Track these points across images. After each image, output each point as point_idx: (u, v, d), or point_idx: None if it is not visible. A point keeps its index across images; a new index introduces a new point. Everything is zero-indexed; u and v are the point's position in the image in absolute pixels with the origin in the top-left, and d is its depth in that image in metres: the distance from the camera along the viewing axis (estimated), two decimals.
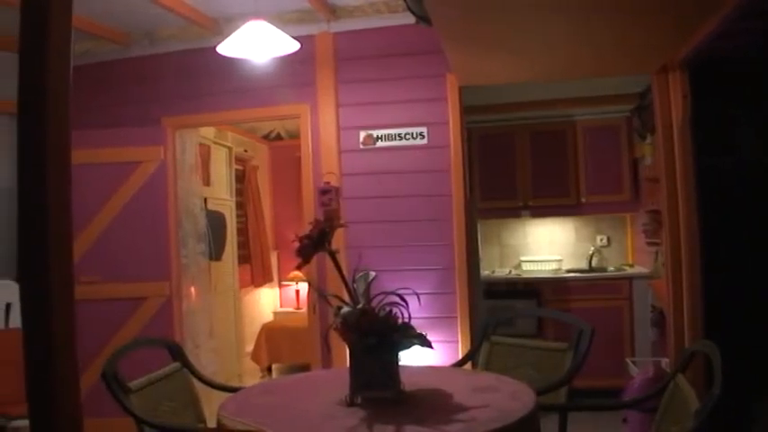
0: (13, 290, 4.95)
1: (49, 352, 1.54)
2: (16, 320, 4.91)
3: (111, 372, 2.72)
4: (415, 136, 4.86)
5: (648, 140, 5.46)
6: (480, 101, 6.03)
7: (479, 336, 3.57)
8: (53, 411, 1.53)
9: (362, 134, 4.94)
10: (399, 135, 4.87)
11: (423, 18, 4.45)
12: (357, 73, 4.99)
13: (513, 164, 6.55)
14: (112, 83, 5.48)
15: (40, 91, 1.53)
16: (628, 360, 5.53)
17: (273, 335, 7.36)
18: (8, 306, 4.93)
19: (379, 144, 4.91)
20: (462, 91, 4.90)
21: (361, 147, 4.95)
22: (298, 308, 8.51)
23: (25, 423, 4.32)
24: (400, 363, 2.54)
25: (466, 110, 5.06)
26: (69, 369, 1.57)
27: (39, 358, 1.56)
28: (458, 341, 4.75)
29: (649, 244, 5.73)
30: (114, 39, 5.29)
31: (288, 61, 4.66)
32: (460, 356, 4.43)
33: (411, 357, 2.79)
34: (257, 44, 3.85)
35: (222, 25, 5.09)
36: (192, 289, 5.59)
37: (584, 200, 6.41)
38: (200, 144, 6.17)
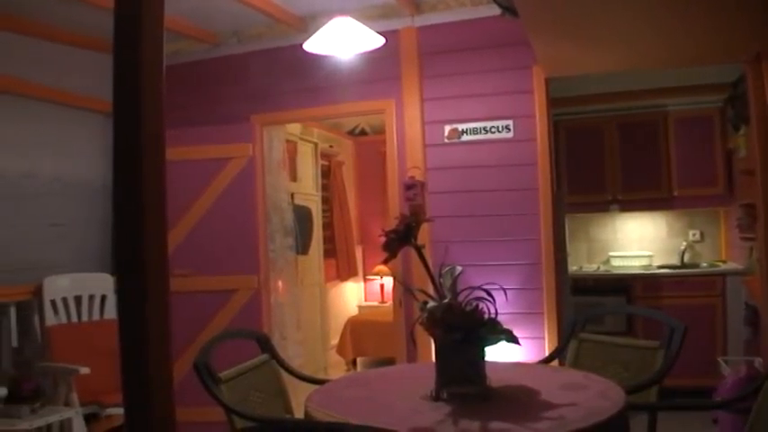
0: (108, 282, 5.16)
1: (144, 343, 1.58)
2: (111, 312, 5.11)
3: (203, 362, 2.79)
4: (500, 129, 4.80)
5: (743, 131, 5.25)
6: (567, 92, 5.92)
7: (567, 333, 3.50)
8: (147, 400, 1.58)
9: (447, 128, 4.91)
10: (485, 128, 4.82)
11: (508, 9, 4.40)
12: (441, 67, 4.96)
13: (601, 156, 6.40)
14: (202, 81, 5.62)
15: (134, 91, 1.58)
16: (720, 359, 5.33)
17: (358, 328, 7.42)
18: (103, 298, 5.13)
19: (465, 138, 4.87)
20: (549, 82, 4.81)
21: (446, 141, 4.92)
22: (382, 302, 8.56)
23: (119, 411, 4.52)
24: (486, 358, 2.52)
25: (552, 102, 4.97)
26: (163, 359, 1.61)
27: (134, 349, 1.60)
28: (544, 338, 4.68)
29: (744, 239, 5.50)
30: (203, 38, 5.43)
31: (372, 57, 4.67)
32: (547, 353, 4.36)
33: (497, 353, 2.76)
34: (343, 40, 3.87)
35: (308, 22, 5.15)
36: (280, 282, 5.69)
37: (675, 193, 6.21)
38: (287, 140, 6.27)
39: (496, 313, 2.46)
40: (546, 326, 4.68)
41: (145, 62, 1.58)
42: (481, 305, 2.45)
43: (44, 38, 5.00)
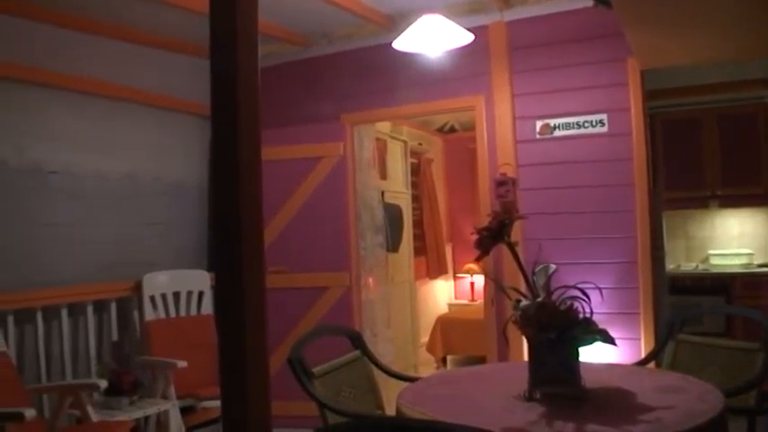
0: (205, 279, 5.31)
1: (241, 338, 1.62)
2: (207, 308, 5.26)
3: (297, 358, 2.83)
4: (594, 124, 4.68)
5: None
6: (663, 84, 5.72)
7: (664, 334, 3.40)
8: (244, 394, 1.61)
9: (539, 124, 4.83)
10: (578, 123, 4.72)
11: (601, 0, 4.29)
12: (532, 61, 4.88)
13: (699, 151, 6.17)
14: (293, 83, 5.72)
15: (231, 94, 1.62)
16: None
17: (448, 326, 7.39)
18: (200, 294, 5.28)
19: (557, 133, 4.78)
20: (644, 74, 4.66)
21: (538, 137, 4.84)
22: (472, 300, 8.51)
23: (214, 404, 4.65)
24: (580, 359, 2.47)
25: (648, 94, 4.81)
26: (259, 354, 1.64)
27: (231, 344, 1.64)
28: (640, 338, 4.54)
29: None
30: (294, 40, 5.52)
31: (462, 53, 4.64)
32: (643, 355, 4.24)
33: (591, 354, 2.70)
34: (432, 38, 3.87)
35: (396, 21, 5.16)
36: (371, 280, 5.73)
37: None
38: (377, 139, 6.30)
39: (591, 313, 2.41)
40: (642, 326, 4.55)
41: (240, 66, 1.62)
42: (575, 304, 2.41)
43: (143, 43, 5.20)
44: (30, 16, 4.43)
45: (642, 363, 3.49)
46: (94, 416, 3.87)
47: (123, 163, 5.19)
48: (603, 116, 4.67)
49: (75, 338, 4.67)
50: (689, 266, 6.35)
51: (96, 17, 4.76)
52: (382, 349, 5.67)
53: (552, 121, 4.78)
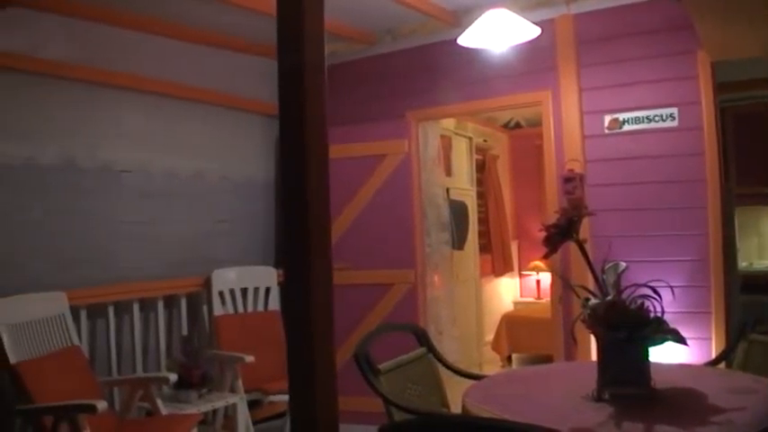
0: (272, 275, 5.38)
1: (308, 334, 1.63)
2: (274, 303, 5.33)
3: (363, 354, 2.85)
4: (664, 118, 4.56)
5: None
6: (735, 77, 5.54)
7: (736, 334, 3.30)
8: (312, 389, 1.63)
9: (607, 118, 4.73)
10: (647, 118, 4.60)
11: None
12: (600, 55, 4.79)
13: None
14: (358, 80, 5.75)
15: (298, 93, 1.64)
16: None
17: (514, 325, 7.33)
18: (267, 290, 5.36)
19: (626, 128, 4.68)
20: (715, 67, 4.52)
21: (606, 132, 4.75)
22: (538, 298, 8.42)
23: (280, 398, 4.71)
24: (650, 359, 2.42)
25: (719, 87, 4.67)
26: (327, 350, 1.66)
27: (299, 340, 1.66)
28: (711, 338, 4.42)
29: None
30: (359, 39, 5.54)
31: (527, 48, 4.58)
32: (714, 355, 4.13)
33: (660, 354, 2.64)
34: (497, 33, 3.83)
35: (461, 17, 5.14)
36: (436, 277, 5.72)
37: None
38: (442, 135, 6.29)
39: (663, 312, 2.36)
40: (713, 326, 4.42)
41: (307, 65, 1.64)
42: (646, 303, 2.36)
43: (212, 45, 5.30)
44: (103, 20, 4.56)
45: (713, 363, 3.40)
46: (164, 409, 3.97)
47: (192, 162, 5.30)
48: (674, 110, 4.55)
49: (145, 333, 4.78)
50: (761, 264, 6.16)
51: (166, 19, 4.87)
52: (447, 347, 5.66)
53: (621, 116, 4.68)
